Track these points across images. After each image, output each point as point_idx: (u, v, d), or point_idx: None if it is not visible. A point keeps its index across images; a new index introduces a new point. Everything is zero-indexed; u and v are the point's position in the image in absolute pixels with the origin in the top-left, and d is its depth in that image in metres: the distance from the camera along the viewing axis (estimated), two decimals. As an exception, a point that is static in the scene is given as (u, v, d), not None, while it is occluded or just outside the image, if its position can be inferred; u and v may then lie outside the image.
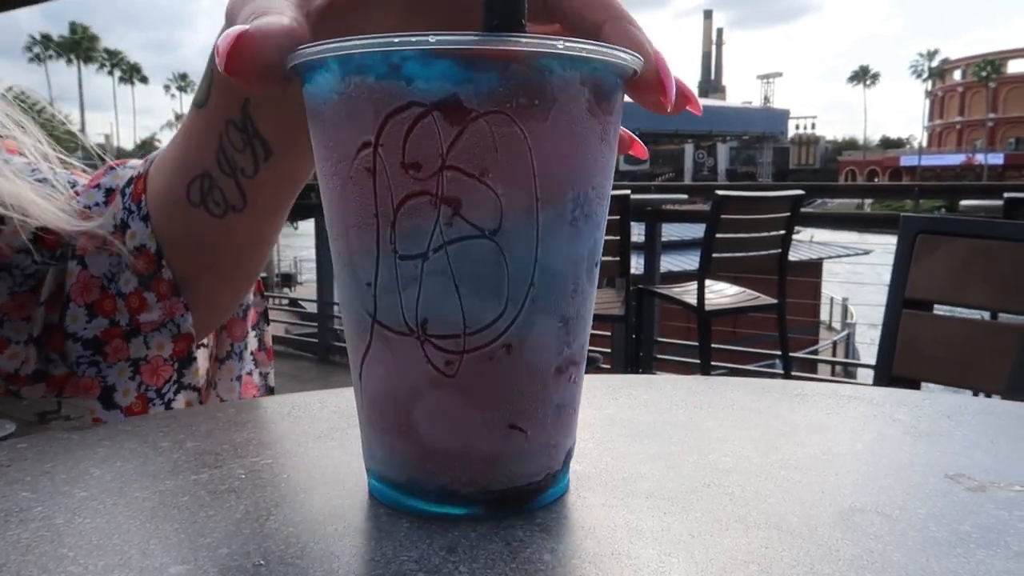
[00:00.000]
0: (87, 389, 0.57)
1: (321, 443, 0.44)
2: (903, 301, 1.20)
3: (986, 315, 1.83)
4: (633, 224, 3.62)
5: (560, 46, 0.30)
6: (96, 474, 0.39)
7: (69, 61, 68.15)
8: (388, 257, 0.31)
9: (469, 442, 0.33)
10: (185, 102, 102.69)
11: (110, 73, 79.09)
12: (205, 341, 0.64)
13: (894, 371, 1.23)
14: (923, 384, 1.36)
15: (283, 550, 0.31)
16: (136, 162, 0.60)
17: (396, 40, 0.29)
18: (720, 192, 3.40)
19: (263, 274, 0.70)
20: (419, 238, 0.31)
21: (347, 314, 0.35)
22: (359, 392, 0.36)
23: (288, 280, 10.31)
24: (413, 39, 0.29)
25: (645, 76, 0.35)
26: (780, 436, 0.45)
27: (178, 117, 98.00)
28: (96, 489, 0.37)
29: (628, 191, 3.53)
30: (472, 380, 0.32)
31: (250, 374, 0.69)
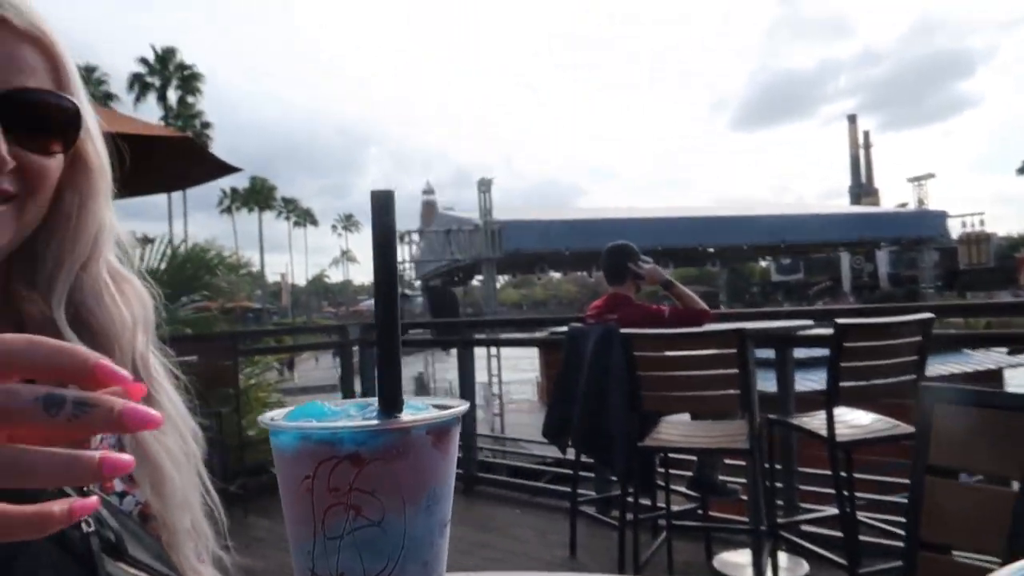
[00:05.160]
0: None
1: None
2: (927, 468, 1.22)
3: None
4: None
5: (420, 419, 0.53)
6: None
7: (251, 210, 75.17)
8: (320, 538, 0.54)
9: None
10: (350, 240, 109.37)
11: (287, 219, 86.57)
12: None
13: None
14: None
15: None
16: None
17: (338, 427, 0.53)
18: (840, 321, 3.30)
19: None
20: (337, 528, 0.53)
21: (297, 569, 0.57)
22: None
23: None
24: (345, 427, 0.52)
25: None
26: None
27: (343, 253, 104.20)
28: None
29: (743, 323, 3.53)
30: None
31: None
